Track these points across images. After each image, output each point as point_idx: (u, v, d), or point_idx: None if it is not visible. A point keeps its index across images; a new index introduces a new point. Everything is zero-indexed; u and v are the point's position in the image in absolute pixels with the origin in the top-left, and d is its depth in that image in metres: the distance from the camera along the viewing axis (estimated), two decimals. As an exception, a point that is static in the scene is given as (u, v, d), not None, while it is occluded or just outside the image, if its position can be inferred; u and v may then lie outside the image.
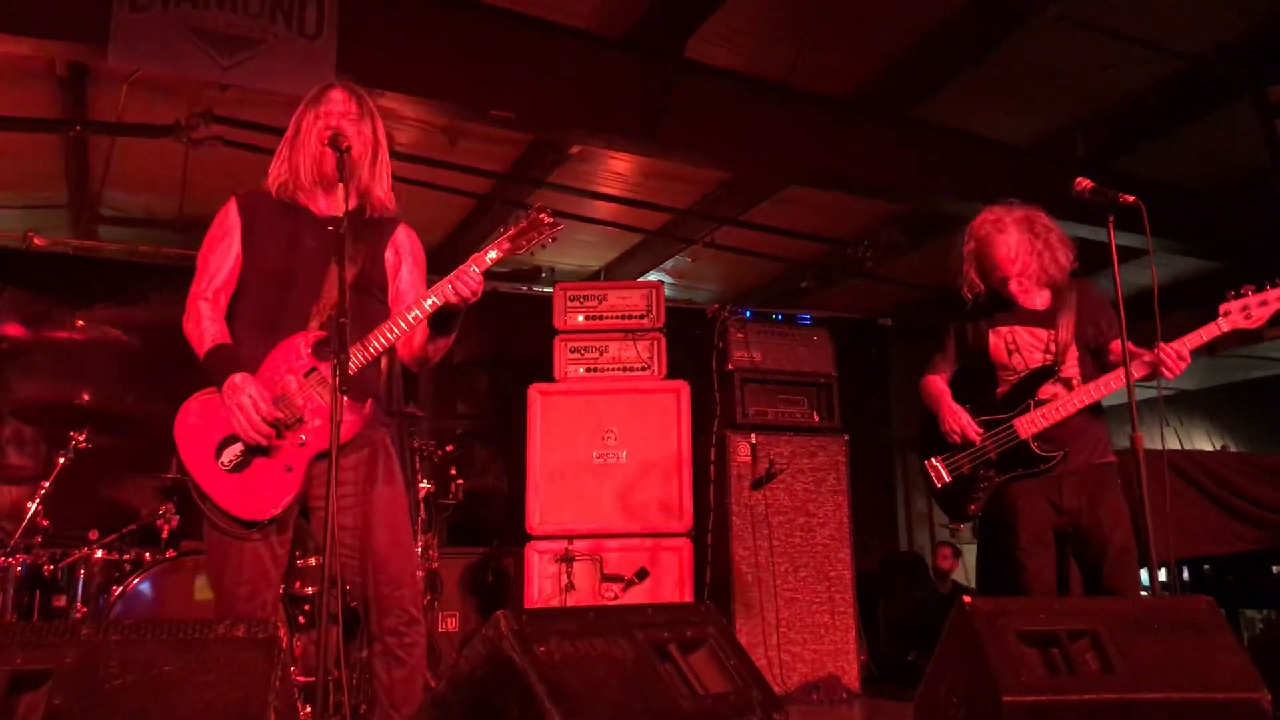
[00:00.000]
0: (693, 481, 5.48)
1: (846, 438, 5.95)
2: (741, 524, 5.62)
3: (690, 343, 6.07)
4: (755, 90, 6.18)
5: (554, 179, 7.01)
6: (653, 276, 8.45)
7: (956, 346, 3.99)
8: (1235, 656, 2.61)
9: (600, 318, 5.68)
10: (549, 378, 5.60)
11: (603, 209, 7.45)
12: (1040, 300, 3.83)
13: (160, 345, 6.97)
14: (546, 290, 6.05)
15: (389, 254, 3.12)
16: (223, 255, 2.96)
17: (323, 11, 5.19)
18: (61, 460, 4.59)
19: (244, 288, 2.96)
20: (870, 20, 5.62)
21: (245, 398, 2.76)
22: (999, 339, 3.80)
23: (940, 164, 6.77)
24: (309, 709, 3.95)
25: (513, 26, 5.62)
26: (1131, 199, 3.46)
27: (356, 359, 2.83)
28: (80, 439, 4.62)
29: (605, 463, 5.43)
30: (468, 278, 2.85)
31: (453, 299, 2.84)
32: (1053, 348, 3.71)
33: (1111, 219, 3.46)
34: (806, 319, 6.24)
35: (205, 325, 2.89)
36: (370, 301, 3.01)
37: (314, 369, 2.85)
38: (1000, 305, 3.85)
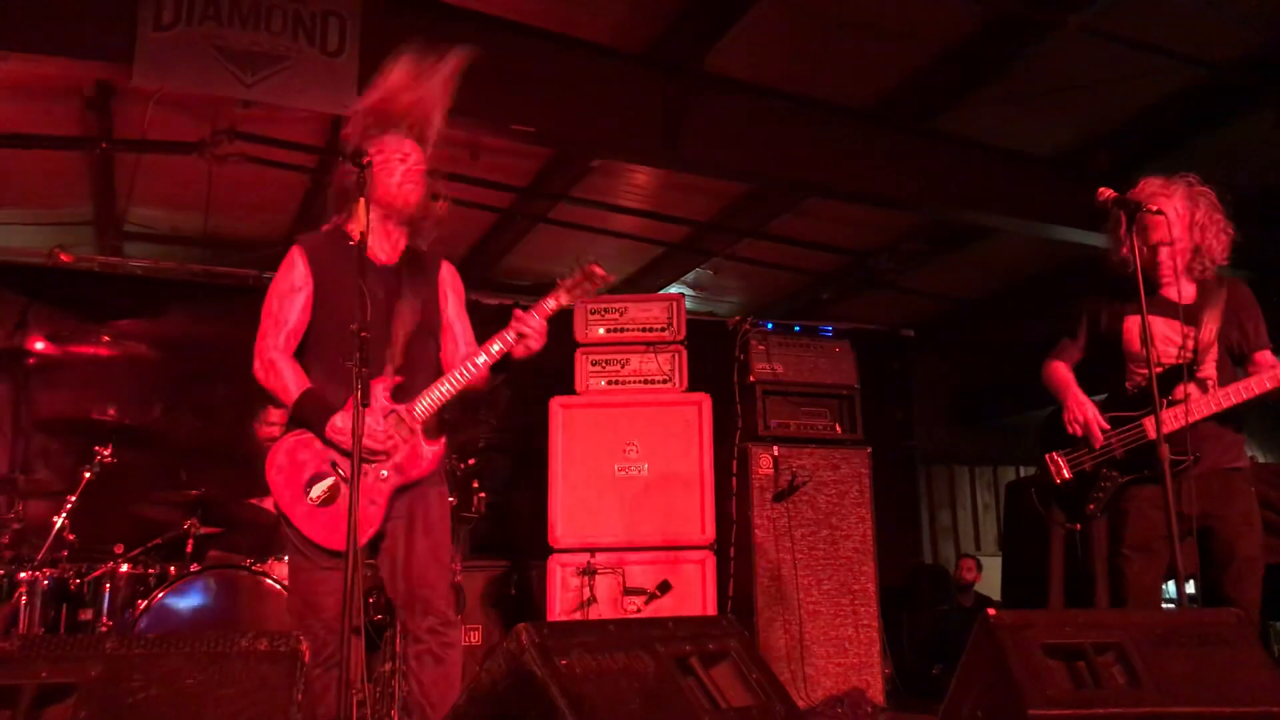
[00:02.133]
0: (715, 494, 5.47)
1: (870, 450, 5.92)
2: (764, 537, 5.60)
3: (711, 355, 6.06)
4: (776, 102, 6.18)
5: (575, 192, 7.03)
6: (674, 289, 8.46)
7: (1088, 333, 3.78)
8: (1266, 671, 2.58)
9: (621, 330, 5.67)
10: (570, 390, 5.60)
11: (623, 222, 7.47)
12: (1185, 293, 3.58)
13: (184, 360, 7.03)
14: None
15: (438, 292, 3.38)
16: (293, 306, 3.17)
17: (345, 29, 5.22)
18: (87, 475, 4.61)
19: (315, 335, 3.17)
20: (891, 32, 5.61)
21: (374, 424, 3.00)
22: (1135, 327, 3.55)
23: (962, 175, 6.75)
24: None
25: (533, 41, 5.65)
26: (1155, 209, 3.43)
27: (429, 402, 3.12)
28: (106, 454, 4.64)
29: (627, 475, 5.42)
30: (533, 330, 3.16)
31: (516, 349, 3.17)
32: (1190, 345, 3.50)
33: (1135, 230, 3.43)
34: (828, 331, 6.22)
35: (287, 375, 3.10)
36: (431, 343, 3.29)
37: (392, 411, 3.09)
38: (1141, 290, 3.59)
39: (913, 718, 5.48)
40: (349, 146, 3.20)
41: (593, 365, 5.64)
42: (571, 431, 5.49)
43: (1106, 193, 3.42)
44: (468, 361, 3.15)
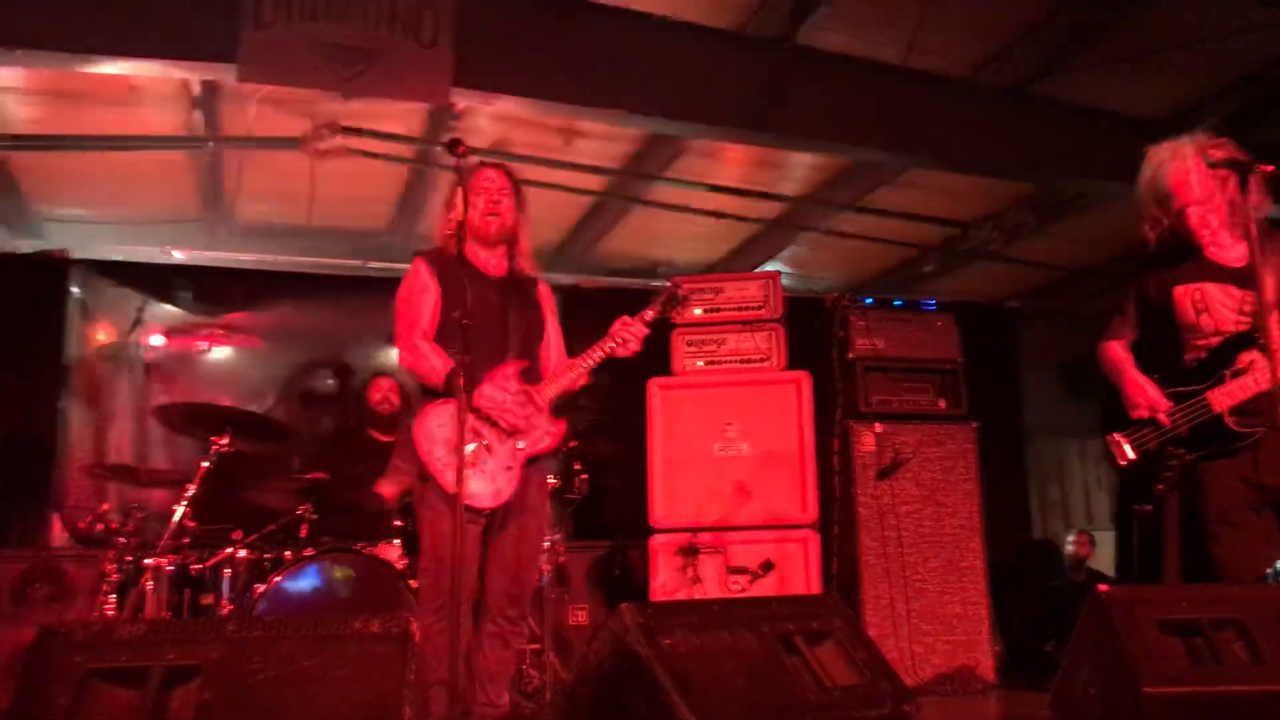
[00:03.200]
0: (817, 472, 5.42)
1: (975, 425, 5.81)
2: (868, 515, 5.54)
3: (810, 332, 6.00)
4: (871, 73, 6.08)
5: (669, 173, 7.02)
6: (770, 266, 8.39)
7: (1137, 309, 3.63)
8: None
9: (717, 310, 5.64)
10: (667, 372, 5.60)
11: (718, 200, 7.43)
12: (1235, 254, 3.42)
13: (293, 349, 7.24)
14: (662, 283, 6.05)
15: (541, 308, 3.81)
16: (423, 306, 3.60)
17: (439, 19, 5.28)
18: (205, 464, 4.76)
19: (445, 332, 3.53)
20: (987, -4, 5.48)
21: (504, 395, 3.47)
22: (1185, 296, 3.42)
23: (1066, 140, 6.56)
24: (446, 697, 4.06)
25: (624, 23, 5.65)
26: (1270, 168, 3.27)
27: (554, 387, 3.59)
28: (222, 443, 4.78)
29: (727, 455, 5.41)
30: (632, 337, 3.61)
31: (619, 353, 3.61)
32: (1248, 308, 3.30)
33: (1248, 188, 3.26)
34: (930, 304, 6.11)
35: (432, 357, 3.50)
36: (537, 347, 3.72)
37: (522, 390, 3.52)
38: (1186, 257, 3.46)
39: (1024, 695, 5.38)
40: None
41: (689, 346, 5.62)
42: (670, 412, 5.49)
43: (1216, 152, 3.27)
44: (584, 357, 3.59)
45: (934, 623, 5.48)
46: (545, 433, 3.52)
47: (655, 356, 5.71)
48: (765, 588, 5.14)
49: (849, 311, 5.88)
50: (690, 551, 5.24)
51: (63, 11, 4.89)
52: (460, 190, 3.45)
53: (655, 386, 5.54)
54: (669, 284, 3.78)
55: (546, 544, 5.18)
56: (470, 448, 3.37)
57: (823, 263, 8.64)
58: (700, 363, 5.61)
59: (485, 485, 3.42)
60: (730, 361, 5.59)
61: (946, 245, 8.38)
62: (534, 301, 3.77)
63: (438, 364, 3.47)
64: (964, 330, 6.04)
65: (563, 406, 3.64)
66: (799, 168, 7.21)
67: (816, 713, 2.30)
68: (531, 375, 3.58)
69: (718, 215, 7.59)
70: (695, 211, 7.49)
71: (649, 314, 3.67)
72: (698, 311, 5.64)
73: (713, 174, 7.14)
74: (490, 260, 3.69)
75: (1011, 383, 8.91)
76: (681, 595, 5.15)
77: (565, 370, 3.62)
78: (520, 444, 3.49)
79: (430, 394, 3.51)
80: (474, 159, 3.62)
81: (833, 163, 7.11)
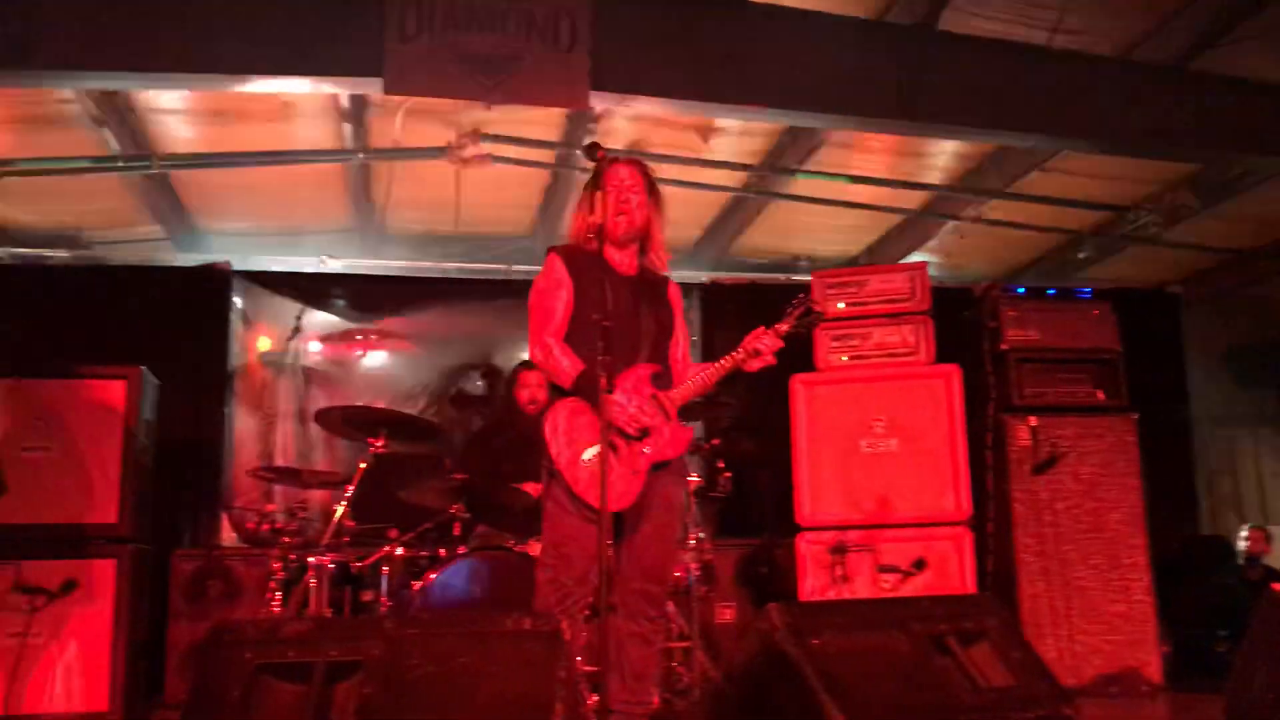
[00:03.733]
0: (969, 468, 5.29)
1: (1136, 416, 5.58)
2: (1024, 511, 5.38)
3: (959, 324, 5.85)
4: (1016, 56, 5.89)
5: (808, 166, 6.94)
6: (916, 258, 8.21)
7: None
8: None
9: (862, 304, 5.55)
10: (811, 367, 5.54)
11: (860, 192, 7.31)
12: None
13: (444, 353, 7.43)
14: (804, 279, 5.99)
15: (671, 308, 3.72)
16: (556, 303, 3.55)
17: (576, 24, 5.34)
18: (362, 465, 4.92)
19: (578, 330, 3.51)
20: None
21: (636, 398, 3.42)
22: None
23: (1229, 117, 6.22)
24: (595, 698, 4.10)
25: (758, 17, 5.61)
26: None
27: (683, 391, 3.52)
28: (377, 444, 4.94)
29: (875, 452, 5.31)
30: (764, 349, 3.47)
31: (749, 367, 3.49)
32: None
33: None
34: (1086, 292, 5.90)
35: (561, 358, 3.47)
36: (667, 346, 3.63)
37: (654, 395, 3.46)
38: None
39: (1195, 698, 5.14)
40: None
41: (834, 341, 5.54)
42: (815, 409, 5.42)
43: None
44: (713, 367, 3.52)
45: (1096, 622, 5.29)
46: (672, 439, 3.46)
47: (799, 352, 5.67)
48: (917, 587, 5.04)
49: (1000, 301, 5.72)
50: (839, 550, 5.17)
51: (220, 38, 5.13)
52: (591, 192, 3.45)
53: (799, 383, 5.48)
54: (805, 298, 3.61)
55: (692, 542, 5.19)
56: (596, 450, 3.31)
57: (971, 252, 8.41)
58: (845, 357, 5.53)
59: (610, 487, 3.31)
60: (876, 356, 5.49)
61: (1102, 230, 8.06)
62: (665, 301, 3.70)
63: (567, 365, 3.45)
64: (1122, 318, 5.81)
65: (693, 409, 3.61)
66: (943, 155, 7.04)
67: (970, 714, 2.24)
68: (662, 379, 3.53)
69: (860, 206, 7.47)
70: (836, 203, 7.39)
71: (783, 327, 3.54)
72: (841, 305, 5.55)
73: (854, 165, 7.03)
74: (623, 259, 3.63)
75: (1175, 371, 8.50)
76: (830, 594, 5.09)
77: (693, 377, 3.56)
78: (646, 449, 3.43)
79: (561, 392, 3.49)
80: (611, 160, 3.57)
81: (979, 149, 6.92)
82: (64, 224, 7.32)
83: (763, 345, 3.47)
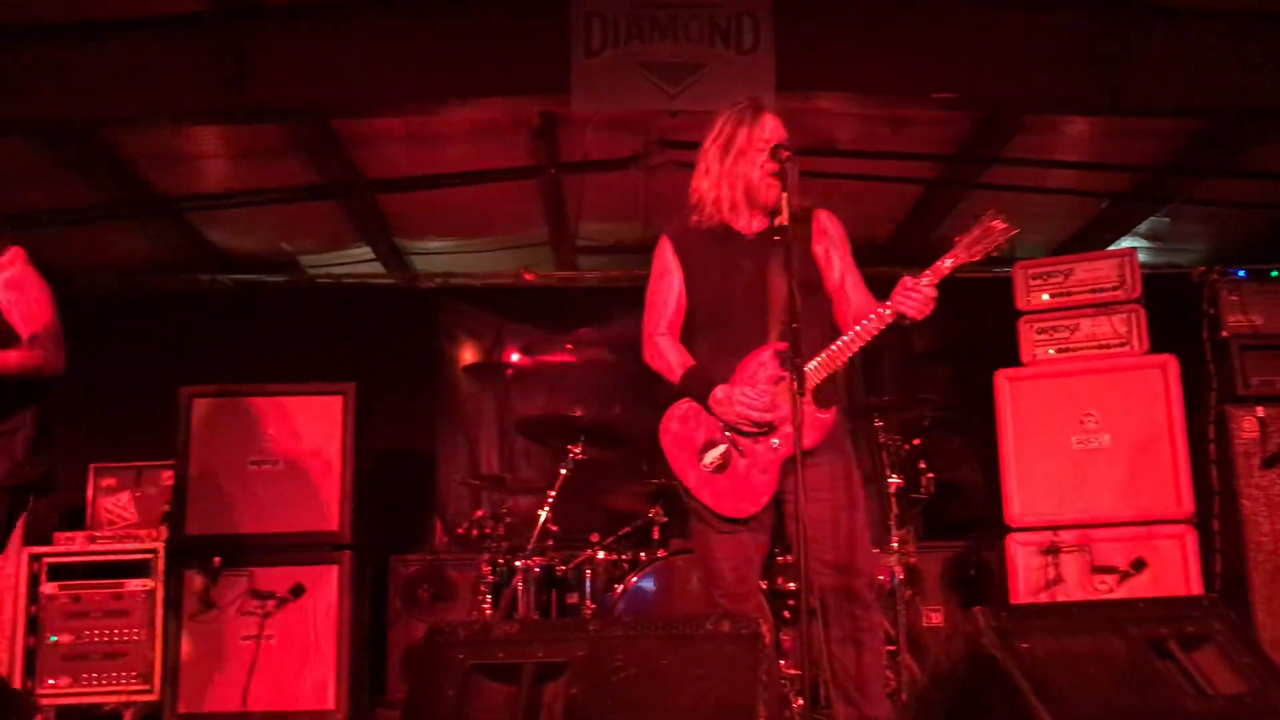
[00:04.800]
0: (1190, 463, 4.99)
1: (1381, 404, 5.15)
2: (1254, 507, 5.03)
3: (1174, 312, 5.53)
4: (1229, 24, 5.53)
5: (1005, 153, 6.70)
6: (1124, 243, 7.81)
7: None
8: None
9: (1067, 294, 5.32)
10: (1015, 362, 5.34)
11: (1062, 177, 7.01)
12: None
13: (637, 361, 7.52)
14: (1005, 270, 5.78)
15: (817, 249, 3.25)
16: (667, 292, 3.31)
17: (758, 25, 5.34)
18: (563, 471, 5.06)
19: (694, 316, 3.27)
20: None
21: (742, 396, 3.04)
22: None
23: None
24: (800, 701, 4.08)
25: (946, 4, 5.46)
26: None
27: (818, 367, 3.02)
28: (576, 451, 5.06)
29: (1086, 448, 5.08)
30: (914, 297, 2.98)
31: (907, 312, 2.99)
32: None
33: None
34: (1316, 272, 5.46)
35: (669, 355, 3.26)
36: (813, 300, 3.14)
37: (781, 379, 3.06)
38: None
39: None
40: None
41: (1038, 334, 5.34)
42: (1021, 405, 5.23)
43: None
44: (855, 326, 3.05)
45: (1342, 627, 4.90)
46: (807, 426, 2.87)
47: (1000, 347, 5.49)
48: (1136, 588, 4.79)
49: (1219, 286, 5.38)
50: (1051, 551, 4.98)
51: (418, 67, 5.38)
52: (785, 195, 3.00)
53: (1003, 378, 5.30)
54: (979, 221, 3.07)
55: (895, 544, 5.09)
56: (716, 451, 3.11)
57: (1185, 235, 7.93)
58: (1051, 350, 5.32)
59: (735, 492, 3.09)
60: (1085, 348, 5.26)
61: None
62: (803, 242, 3.18)
63: (674, 361, 3.23)
64: (1365, 297, 5.36)
65: (830, 395, 3.08)
66: (1152, 135, 6.66)
67: (1199, 722, 2.11)
68: (810, 342, 2.94)
69: (1062, 192, 7.16)
70: (1037, 190, 7.10)
71: (946, 261, 3.01)
72: (1045, 297, 5.35)
73: (1055, 150, 6.74)
74: (748, 220, 3.24)
75: None
76: (1043, 597, 4.89)
77: (834, 345, 3.04)
78: (775, 442, 3.07)
79: (677, 391, 3.24)
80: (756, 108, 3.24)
81: (1190, 126, 6.53)
82: (280, 249, 7.80)
83: (909, 300, 2.99)
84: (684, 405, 3.22)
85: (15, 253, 3.51)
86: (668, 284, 3.30)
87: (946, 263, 3.01)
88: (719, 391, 3.09)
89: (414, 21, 5.45)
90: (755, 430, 3.06)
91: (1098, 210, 7.69)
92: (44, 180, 6.44)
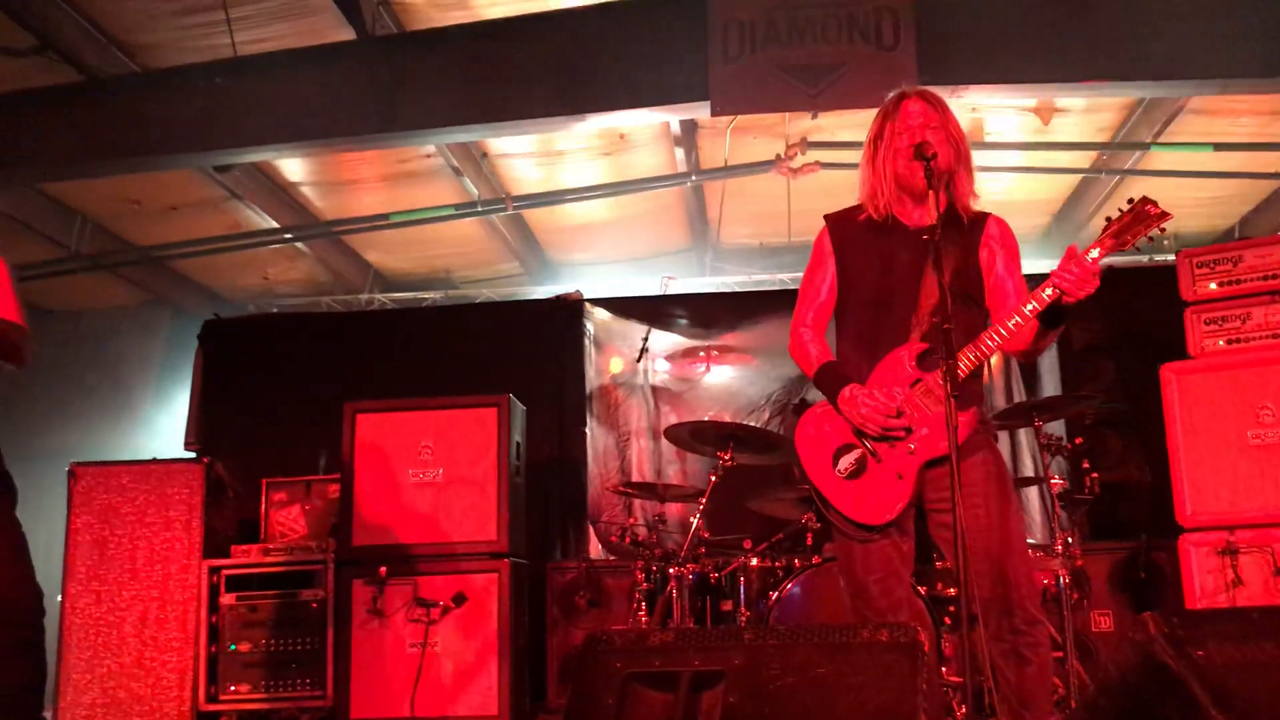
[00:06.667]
0: (1386, 455, 4.68)
1: None
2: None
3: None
4: None
5: (1165, 137, 6.43)
6: (1298, 227, 7.39)
7: None
8: None
9: (1237, 282, 5.05)
10: (1183, 355, 5.11)
11: (1228, 160, 6.68)
12: None
13: (783, 365, 7.48)
14: (1169, 259, 5.53)
15: (983, 253, 3.11)
16: (820, 281, 3.18)
17: (899, 21, 5.25)
18: (713, 478, 5.05)
19: (843, 308, 3.15)
20: None
21: (868, 398, 2.91)
22: None
23: None
24: (964, 709, 3.99)
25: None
26: None
27: (961, 365, 2.84)
28: (726, 457, 5.05)
29: (1264, 442, 4.81)
30: (1074, 271, 2.78)
31: (1065, 288, 2.80)
32: None
33: None
34: None
35: (809, 348, 3.13)
36: (967, 305, 3.02)
37: (919, 380, 2.94)
38: None
39: None
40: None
41: (1206, 325, 5.08)
42: (1190, 399, 4.99)
43: None
44: (1000, 324, 2.88)
45: None
46: (955, 426, 2.63)
47: (1166, 340, 5.26)
48: (1325, 591, 4.52)
49: (1407, 267, 5.03)
50: (1229, 551, 4.74)
51: (555, 82, 5.47)
52: (932, 195, 2.85)
53: (1171, 372, 5.07)
54: (1132, 204, 2.84)
55: (1060, 547, 4.92)
56: (850, 456, 2.98)
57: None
58: (1221, 342, 5.06)
59: (870, 497, 2.95)
60: (1259, 338, 4.99)
61: None
62: (969, 247, 3.05)
63: (813, 354, 3.09)
64: None
65: (969, 397, 2.89)
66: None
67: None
68: (956, 343, 2.74)
69: (1227, 175, 6.83)
70: (1200, 175, 6.80)
71: (1094, 251, 2.80)
72: (1213, 286, 5.10)
73: (1219, 132, 6.43)
74: (918, 213, 3.04)
75: None
76: (1221, 600, 4.66)
77: (977, 341, 2.88)
78: (911, 447, 2.93)
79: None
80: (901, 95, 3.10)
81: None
82: (435, 268, 8.06)
83: (1067, 277, 2.79)
84: (820, 408, 3.10)
85: None
86: (821, 274, 3.19)
87: (1093, 253, 2.81)
88: (847, 391, 2.96)
89: (556, 35, 5.55)
90: (884, 435, 2.92)
91: (1268, 192, 7.31)
92: (215, 210, 6.83)
